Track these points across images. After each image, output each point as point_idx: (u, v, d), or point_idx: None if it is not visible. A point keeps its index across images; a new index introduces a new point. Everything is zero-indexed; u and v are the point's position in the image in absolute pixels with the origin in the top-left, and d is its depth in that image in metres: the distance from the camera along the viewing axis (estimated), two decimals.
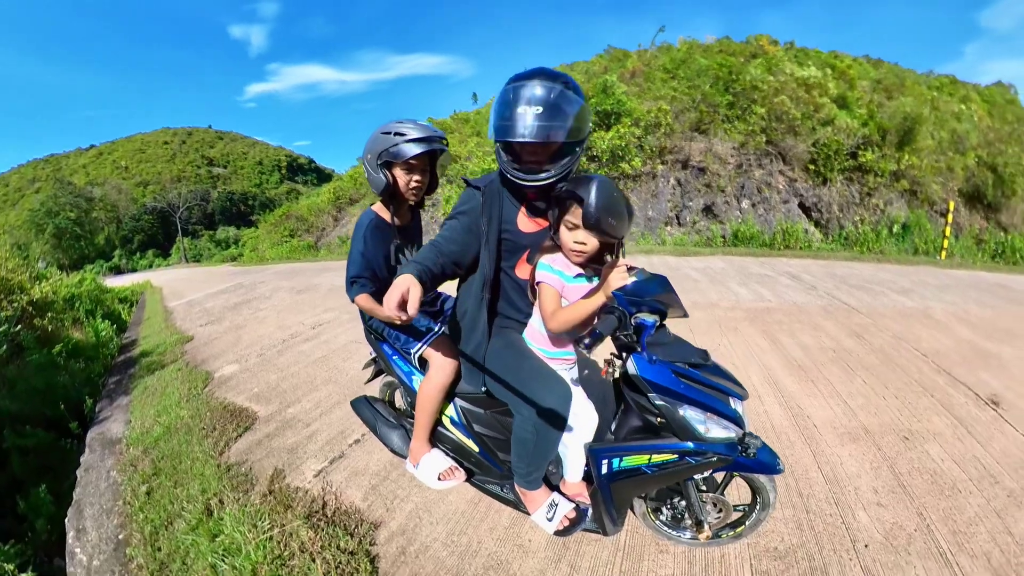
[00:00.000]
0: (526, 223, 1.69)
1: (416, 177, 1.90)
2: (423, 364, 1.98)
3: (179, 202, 53.54)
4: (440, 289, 2.14)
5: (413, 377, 2.02)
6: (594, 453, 1.59)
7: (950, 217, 9.86)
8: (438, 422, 2.00)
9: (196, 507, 2.24)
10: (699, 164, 11.44)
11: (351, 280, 1.89)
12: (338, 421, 3.00)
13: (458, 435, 1.99)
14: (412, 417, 2.35)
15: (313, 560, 1.84)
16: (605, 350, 1.66)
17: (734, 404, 1.50)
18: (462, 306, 1.79)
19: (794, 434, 2.65)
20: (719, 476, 1.77)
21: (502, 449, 1.91)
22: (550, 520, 1.77)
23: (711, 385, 1.48)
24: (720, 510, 1.73)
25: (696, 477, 1.62)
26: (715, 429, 1.45)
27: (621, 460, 1.53)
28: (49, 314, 6.21)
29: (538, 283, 1.60)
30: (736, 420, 1.48)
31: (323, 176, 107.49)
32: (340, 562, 1.82)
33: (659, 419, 1.47)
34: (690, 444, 1.45)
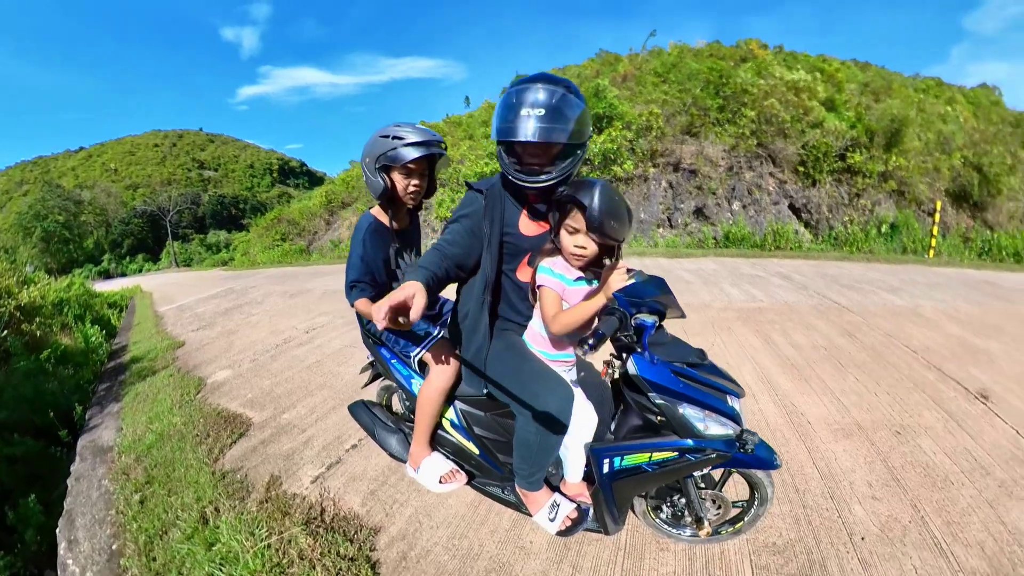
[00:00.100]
0: (528, 226, 1.70)
1: (414, 181, 1.90)
2: (422, 368, 1.97)
3: (169, 205, 52.67)
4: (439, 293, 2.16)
5: (412, 381, 2.02)
6: (595, 453, 1.61)
7: (937, 216, 10.05)
8: (438, 425, 2.00)
9: (191, 516, 2.21)
10: (690, 167, 11.52)
11: (350, 284, 1.88)
12: (334, 426, 2.98)
13: (458, 438, 1.98)
14: (410, 421, 2.34)
15: (313, 567, 1.82)
16: (602, 352, 1.67)
17: (731, 402, 1.53)
18: (463, 309, 1.78)
19: (789, 431, 2.68)
20: (717, 473, 1.79)
21: (502, 451, 1.91)
22: (552, 521, 1.78)
23: (709, 384, 1.51)
24: (719, 507, 1.76)
25: (695, 474, 1.65)
26: (714, 426, 1.47)
27: (622, 459, 1.55)
28: (37, 319, 6.13)
29: (539, 286, 1.61)
30: (734, 417, 1.51)
31: (315, 179, 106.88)
32: (340, 569, 1.81)
33: (659, 418, 1.50)
34: (690, 441, 1.47)
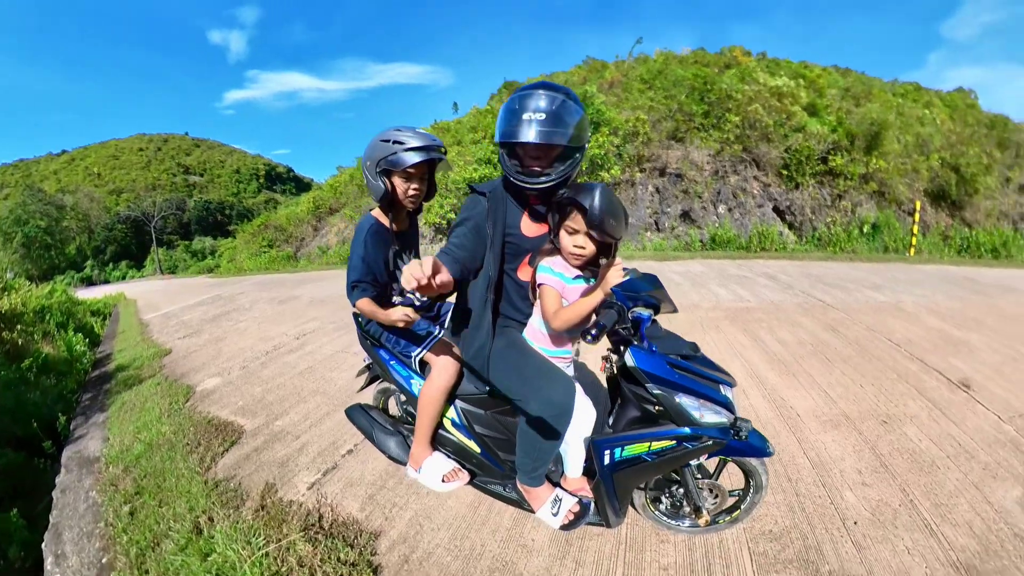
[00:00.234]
0: (529, 227, 1.76)
1: (414, 185, 1.92)
2: (422, 368, 1.99)
3: (154, 211, 51.66)
4: None
5: (412, 381, 2.02)
6: (596, 445, 1.66)
7: (917, 216, 10.35)
8: (439, 425, 2.01)
9: (184, 526, 2.17)
10: (676, 171, 11.67)
11: (352, 285, 1.90)
12: (329, 432, 2.96)
13: (459, 437, 2.00)
14: (408, 423, 2.34)
15: (313, 574, 1.81)
16: (599, 349, 1.72)
17: (724, 391, 1.60)
18: (465, 308, 1.82)
19: (779, 423, 2.75)
20: (713, 464, 1.85)
21: (503, 449, 1.94)
22: (555, 515, 1.81)
23: (702, 374, 1.58)
24: (716, 496, 1.82)
25: (692, 463, 1.70)
26: (709, 415, 1.54)
27: (623, 450, 1.60)
28: (18, 327, 5.98)
29: (540, 285, 1.67)
30: (727, 406, 1.57)
31: (302, 185, 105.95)
32: (342, 574, 1.80)
33: (657, 407, 1.56)
34: (687, 430, 1.53)
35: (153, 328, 7.21)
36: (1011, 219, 12.00)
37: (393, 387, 2.33)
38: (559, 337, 1.76)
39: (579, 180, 1.73)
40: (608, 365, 1.71)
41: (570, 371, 1.85)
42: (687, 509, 1.83)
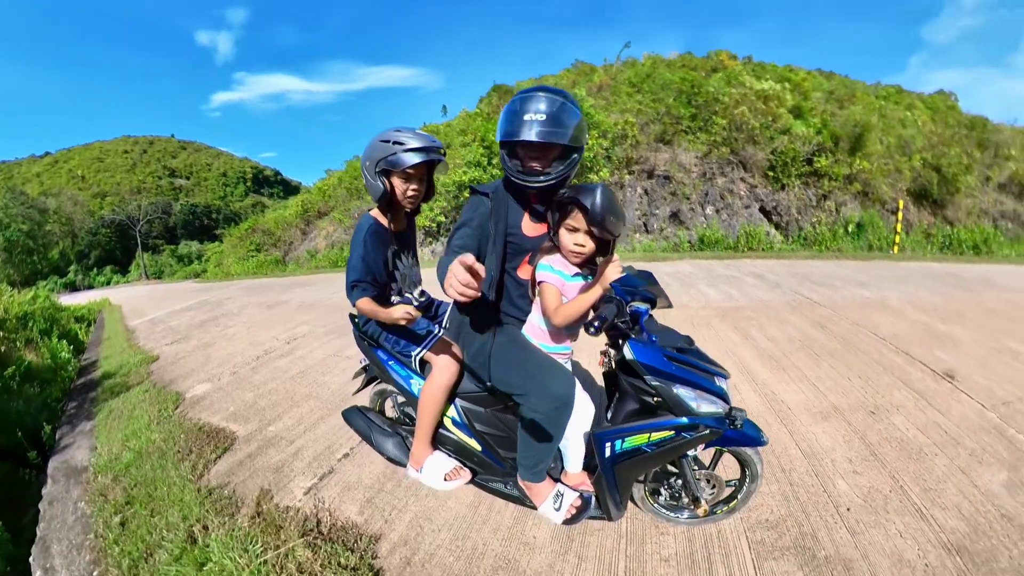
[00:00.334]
0: (530, 227, 1.80)
1: (413, 186, 1.93)
2: (422, 367, 1.99)
3: (139, 215, 50.39)
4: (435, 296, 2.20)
5: (411, 381, 2.02)
6: (597, 437, 1.69)
7: (900, 215, 10.60)
8: (439, 424, 2.01)
9: (178, 535, 2.13)
10: (665, 173, 11.78)
11: (352, 284, 1.90)
12: (324, 436, 2.93)
13: (460, 435, 2.01)
14: (406, 424, 2.34)
15: None
16: (597, 345, 1.75)
17: (719, 382, 1.65)
18: (465, 307, 1.83)
19: (771, 417, 2.80)
20: (709, 455, 1.90)
21: (504, 447, 1.96)
22: (558, 510, 1.84)
23: (698, 366, 1.63)
24: (714, 486, 1.86)
25: (690, 454, 1.74)
26: (705, 405, 1.59)
27: (623, 441, 1.64)
28: (0, 333, 5.85)
29: (540, 282, 1.71)
30: (722, 396, 1.63)
31: (290, 189, 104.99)
32: None
33: (655, 399, 1.60)
34: (684, 419, 1.57)
35: (139, 334, 7.10)
36: (991, 216, 12.29)
37: (390, 389, 2.32)
38: (558, 333, 1.79)
39: (572, 182, 1.77)
40: (606, 360, 1.77)
41: (569, 367, 1.89)
42: (686, 500, 1.87)
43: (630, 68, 16.36)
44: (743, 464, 1.82)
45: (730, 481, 1.91)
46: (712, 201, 11.51)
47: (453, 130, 17.55)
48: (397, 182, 1.89)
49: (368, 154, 1.88)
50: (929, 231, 11.20)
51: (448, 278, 1.25)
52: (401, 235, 2.10)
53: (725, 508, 1.88)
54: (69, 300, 14.29)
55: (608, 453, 1.67)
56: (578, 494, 1.88)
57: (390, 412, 2.56)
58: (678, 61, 16.64)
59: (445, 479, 2.02)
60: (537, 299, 1.78)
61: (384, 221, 1.99)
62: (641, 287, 1.66)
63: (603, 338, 1.72)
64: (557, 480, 1.94)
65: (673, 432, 1.59)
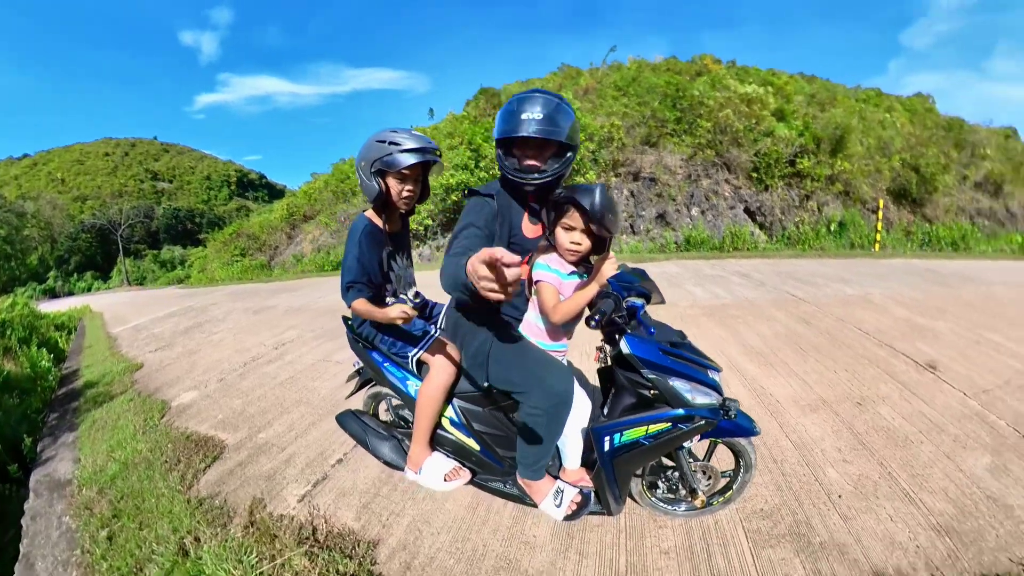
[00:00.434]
0: (529, 228, 1.83)
1: (408, 186, 1.92)
2: (419, 368, 1.99)
3: (120, 219, 48.49)
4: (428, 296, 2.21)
5: (408, 382, 2.02)
6: (596, 432, 1.73)
7: (880, 214, 10.83)
8: (437, 425, 2.00)
9: (168, 548, 2.09)
10: (650, 175, 11.90)
11: (347, 285, 1.89)
12: (316, 442, 2.90)
13: (458, 436, 2.01)
14: (402, 427, 2.32)
15: None
16: (588, 346, 1.77)
17: (712, 375, 1.69)
18: (461, 307, 1.85)
19: (760, 410, 2.86)
20: (704, 446, 1.93)
21: (502, 446, 1.97)
22: (558, 507, 1.86)
23: (691, 359, 1.68)
24: (710, 477, 1.90)
25: (686, 445, 1.79)
26: (700, 396, 1.63)
27: (622, 435, 1.68)
28: None
29: (537, 281, 1.74)
30: (716, 387, 1.67)
31: (275, 192, 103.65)
32: None
33: (652, 391, 1.64)
34: (681, 411, 1.61)
35: (122, 342, 6.96)
36: (968, 214, 12.70)
37: (384, 391, 2.31)
38: (555, 331, 1.82)
39: (566, 183, 1.80)
40: (602, 355, 1.83)
41: (564, 364, 1.90)
42: (683, 492, 1.92)
43: (616, 72, 16.49)
44: (737, 454, 1.87)
45: (725, 472, 1.96)
46: (697, 202, 11.65)
47: (440, 133, 17.52)
48: (392, 183, 1.88)
49: (364, 154, 1.87)
50: (909, 229, 11.51)
51: (481, 279, 1.12)
52: (395, 236, 2.09)
53: (721, 499, 1.92)
54: (49, 307, 13.96)
55: (607, 447, 1.71)
56: (578, 490, 1.90)
57: (384, 415, 2.54)
58: (663, 65, 16.81)
59: (445, 479, 2.01)
60: (534, 298, 1.81)
61: (379, 222, 1.98)
62: (636, 283, 1.72)
63: (597, 336, 1.78)
64: (556, 477, 1.96)
65: (670, 424, 1.63)
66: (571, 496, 1.88)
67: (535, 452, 1.78)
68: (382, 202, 1.91)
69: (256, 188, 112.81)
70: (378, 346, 2.07)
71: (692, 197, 11.71)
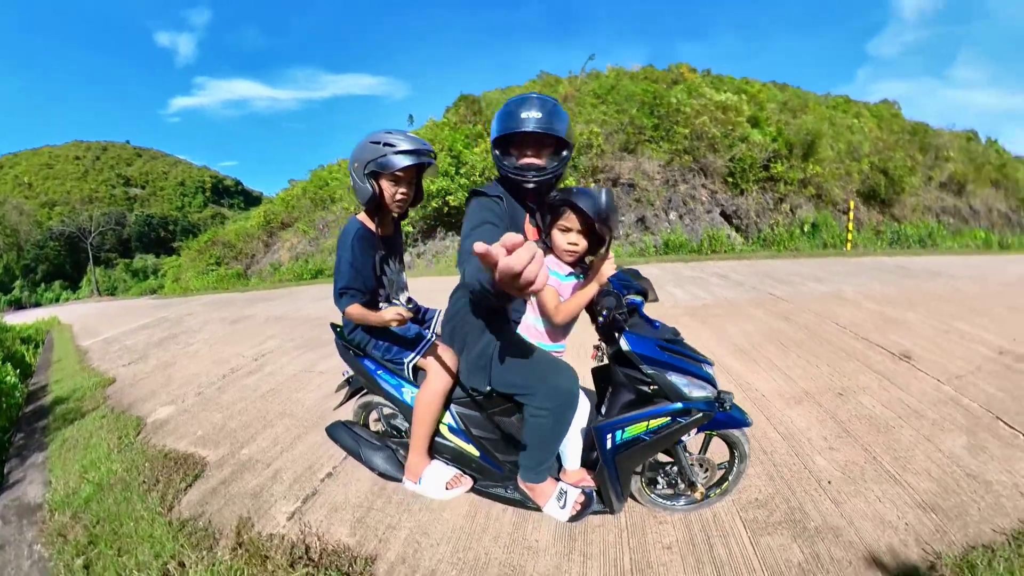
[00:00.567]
0: (530, 231, 1.85)
1: (402, 189, 1.88)
2: (415, 375, 1.95)
3: (91, 226, 46.55)
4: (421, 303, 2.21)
5: (403, 390, 1.97)
6: (598, 430, 1.75)
7: (851, 215, 11.33)
8: (435, 432, 1.97)
9: (151, 575, 1.99)
10: (629, 181, 12.09)
11: (340, 291, 1.84)
12: (303, 456, 2.83)
13: (457, 442, 1.98)
14: (395, 437, 2.27)
15: None
16: (585, 346, 1.79)
17: (706, 369, 1.75)
18: (463, 310, 1.85)
19: (747, 405, 2.95)
20: (699, 441, 1.99)
21: (502, 450, 1.96)
22: (563, 508, 1.87)
23: (687, 354, 1.74)
24: (707, 469, 1.95)
25: (684, 439, 1.83)
26: (696, 390, 1.69)
27: (623, 432, 1.71)
28: None
29: None
30: (711, 381, 1.73)
31: (251, 199, 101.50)
32: None
33: (651, 386, 1.68)
34: (679, 405, 1.66)
35: (93, 355, 6.72)
36: (934, 212, 13.41)
37: (375, 400, 2.25)
38: (554, 332, 1.85)
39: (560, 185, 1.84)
40: (599, 354, 1.88)
41: None
42: (682, 487, 1.96)
43: (594, 80, 16.69)
44: (731, 446, 1.93)
45: (721, 464, 2.01)
46: (675, 207, 11.88)
47: (423, 139, 17.42)
48: (386, 185, 1.84)
49: (357, 156, 1.83)
50: (878, 228, 12.04)
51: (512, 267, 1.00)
52: (388, 240, 2.03)
53: (718, 491, 1.98)
54: (14, 319, 13.38)
55: (609, 445, 1.73)
56: (580, 490, 1.91)
57: (375, 425, 2.48)
58: (641, 73, 17.08)
59: (446, 488, 1.98)
60: (532, 300, 1.82)
61: (371, 225, 1.92)
62: (633, 281, 1.80)
63: (593, 336, 1.83)
64: (557, 479, 1.97)
65: (669, 418, 1.68)
66: (575, 496, 1.89)
67: (539, 454, 1.78)
68: (375, 205, 1.86)
69: (232, 195, 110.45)
70: (371, 353, 2.01)
71: (670, 202, 11.94)
